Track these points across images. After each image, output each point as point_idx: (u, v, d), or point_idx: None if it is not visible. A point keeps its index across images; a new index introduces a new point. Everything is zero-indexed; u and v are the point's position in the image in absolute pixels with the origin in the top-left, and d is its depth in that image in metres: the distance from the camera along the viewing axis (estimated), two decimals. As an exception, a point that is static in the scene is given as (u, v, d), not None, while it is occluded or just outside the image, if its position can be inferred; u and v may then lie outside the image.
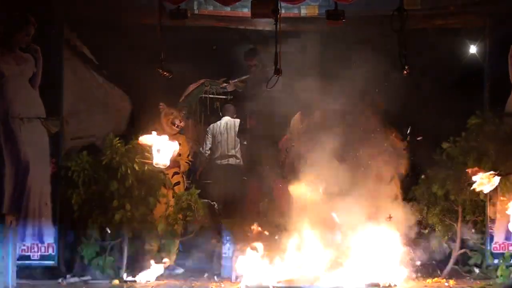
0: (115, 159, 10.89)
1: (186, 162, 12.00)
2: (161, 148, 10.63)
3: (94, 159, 11.10)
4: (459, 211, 11.00)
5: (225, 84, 12.53)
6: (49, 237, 11.25)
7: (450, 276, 10.81)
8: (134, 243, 11.10)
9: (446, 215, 11.01)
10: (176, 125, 11.72)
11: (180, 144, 11.17)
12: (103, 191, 10.96)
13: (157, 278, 10.84)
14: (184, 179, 11.99)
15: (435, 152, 11.20)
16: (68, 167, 11.02)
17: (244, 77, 12.29)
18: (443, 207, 11.01)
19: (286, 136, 11.96)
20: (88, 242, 11.04)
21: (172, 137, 11.09)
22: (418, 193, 11.22)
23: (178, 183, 11.75)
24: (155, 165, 10.51)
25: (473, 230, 11.06)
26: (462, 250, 11.08)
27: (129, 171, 10.84)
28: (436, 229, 11.03)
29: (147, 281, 10.72)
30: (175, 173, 11.71)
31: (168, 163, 10.62)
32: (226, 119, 12.91)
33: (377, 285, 9.86)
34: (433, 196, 11.03)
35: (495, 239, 11.06)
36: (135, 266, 10.95)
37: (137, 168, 10.87)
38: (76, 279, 10.87)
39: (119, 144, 10.96)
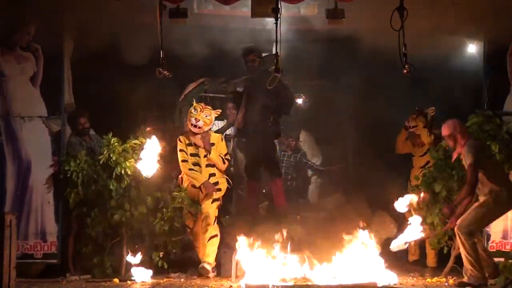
0: (112, 158, 10.93)
1: (226, 159, 11.42)
2: (145, 154, 10.69)
3: (93, 159, 11.17)
4: (459, 210, 10.96)
5: (225, 84, 12.49)
6: (52, 235, 11.30)
7: (449, 275, 10.76)
8: (134, 241, 11.08)
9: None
10: (194, 125, 11.22)
11: (214, 144, 11.23)
12: (102, 190, 11.00)
13: (157, 277, 10.86)
14: (227, 179, 11.46)
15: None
16: (67, 168, 11.08)
17: (244, 77, 12.26)
18: (443, 206, 10.91)
19: None
20: (88, 241, 11.06)
21: (202, 136, 11.15)
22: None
23: (219, 190, 11.31)
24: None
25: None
26: (462, 249, 11.03)
27: (124, 171, 10.88)
28: (436, 228, 10.95)
29: (147, 279, 10.73)
30: (212, 175, 11.26)
31: (150, 174, 10.64)
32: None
33: (375, 284, 9.81)
34: (434, 195, 10.97)
35: (492, 238, 11.06)
36: (135, 265, 10.93)
37: (129, 172, 10.89)
38: (76, 277, 10.90)
39: (116, 143, 11.00)
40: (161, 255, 11.00)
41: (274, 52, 10.46)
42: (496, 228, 10.96)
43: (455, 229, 9.88)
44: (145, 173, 10.62)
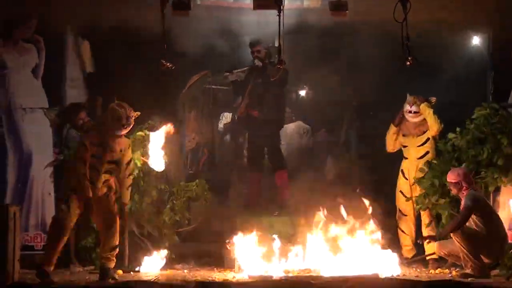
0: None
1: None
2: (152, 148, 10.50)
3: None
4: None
5: (227, 73, 12.42)
6: (52, 227, 11.26)
7: (453, 267, 10.76)
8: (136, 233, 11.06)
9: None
10: (123, 125, 9.77)
11: (121, 150, 9.89)
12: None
13: (161, 268, 10.83)
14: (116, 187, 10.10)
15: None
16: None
17: (245, 68, 12.25)
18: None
19: None
20: (90, 232, 11.01)
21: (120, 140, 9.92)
22: (426, 184, 11.06)
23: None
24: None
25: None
26: (467, 241, 11.02)
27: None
28: (442, 220, 10.92)
29: (151, 270, 10.70)
30: (106, 182, 9.96)
31: (161, 167, 10.52)
32: None
33: (378, 275, 9.82)
34: (441, 187, 10.93)
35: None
36: (139, 256, 10.91)
37: (138, 163, 10.77)
38: (80, 269, 10.89)
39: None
40: (167, 245, 11.03)
41: (276, 44, 10.50)
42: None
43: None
44: (157, 168, 10.52)
